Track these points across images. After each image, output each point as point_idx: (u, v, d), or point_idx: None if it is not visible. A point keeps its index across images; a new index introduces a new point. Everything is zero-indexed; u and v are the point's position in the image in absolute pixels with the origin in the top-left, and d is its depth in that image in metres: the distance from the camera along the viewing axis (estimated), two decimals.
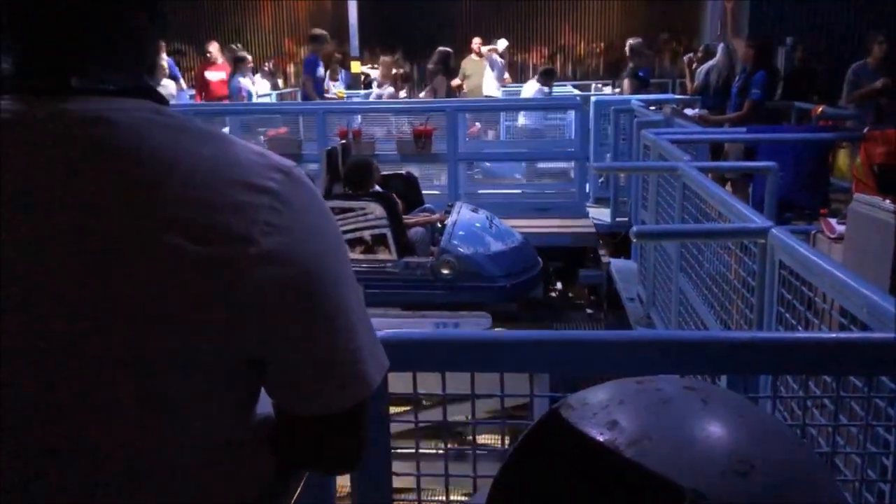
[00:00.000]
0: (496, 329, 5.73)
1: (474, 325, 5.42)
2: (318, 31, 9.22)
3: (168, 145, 0.71)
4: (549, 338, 1.34)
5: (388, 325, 4.81)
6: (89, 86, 0.72)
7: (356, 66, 13.22)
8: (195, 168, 0.71)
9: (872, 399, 1.25)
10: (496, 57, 9.29)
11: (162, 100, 0.76)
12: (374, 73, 9.68)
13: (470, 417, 1.34)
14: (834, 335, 1.38)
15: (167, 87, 8.66)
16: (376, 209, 5.47)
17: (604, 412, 0.85)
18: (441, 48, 9.14)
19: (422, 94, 9.99)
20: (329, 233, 0.78)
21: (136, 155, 0.69)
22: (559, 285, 7.10)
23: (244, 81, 9.04)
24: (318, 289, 0.75)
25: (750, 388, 1.66)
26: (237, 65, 9.14)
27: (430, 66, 9.30)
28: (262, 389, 0.80)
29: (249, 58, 9.66)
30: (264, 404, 0.82)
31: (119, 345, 0.68)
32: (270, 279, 0.71)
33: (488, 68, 9.33)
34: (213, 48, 9.35)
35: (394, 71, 9.31)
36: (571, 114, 7.95)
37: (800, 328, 2.11)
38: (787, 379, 1.84)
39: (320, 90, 8.99)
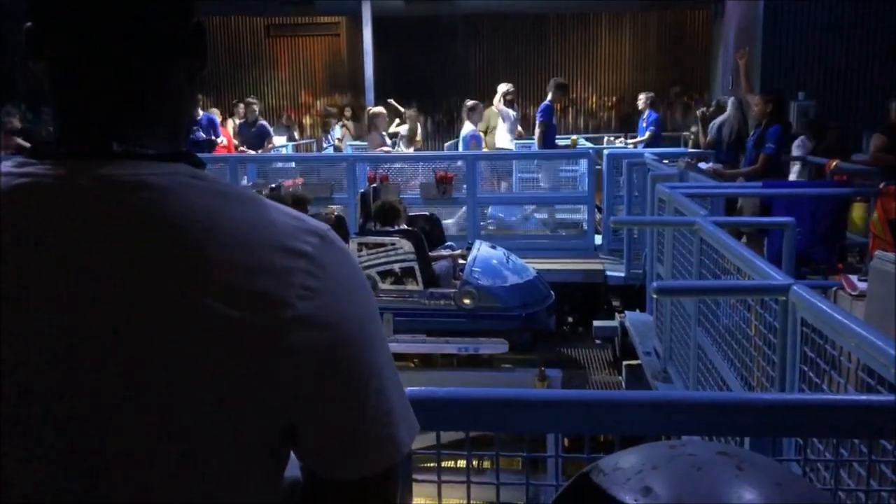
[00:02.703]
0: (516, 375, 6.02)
1: (492, 350, 6.02)
2: (561, 80, 9.31)
3: (205, 209, 0.71)
4: (574, 397, 1.32)
5: (415, 349, 5.01)
6: (129, 150, 0.73)
7: None
8: (232, 231, 0.71)
9: None
10: (508, 110, 9.39)
11: (198, 163, 0.77)
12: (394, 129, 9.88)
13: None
14: (865, 397, 1.36)
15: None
16: (405, 244, 6.11)
17: (637, 478, 0.84)
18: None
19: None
20: (363, 296, 0.78)
21: (174, 219, 0.70)
22: (570, 319, 7.66)
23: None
24: (352, 352, 0.74)
25: (775, 450, 1.63)
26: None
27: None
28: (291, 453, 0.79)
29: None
30: (292, 467, 0.81)
31: (154, 408, 0.68)
32: (305, 343, 0.71)
33: (501, 122, 9.42)
34: (240, 108, 10.52)
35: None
36: (584, 165, 8.11)
37: (824, 387, 2.08)
38: (813, 440, 1.80)
39: (552, 138, 8.92)
